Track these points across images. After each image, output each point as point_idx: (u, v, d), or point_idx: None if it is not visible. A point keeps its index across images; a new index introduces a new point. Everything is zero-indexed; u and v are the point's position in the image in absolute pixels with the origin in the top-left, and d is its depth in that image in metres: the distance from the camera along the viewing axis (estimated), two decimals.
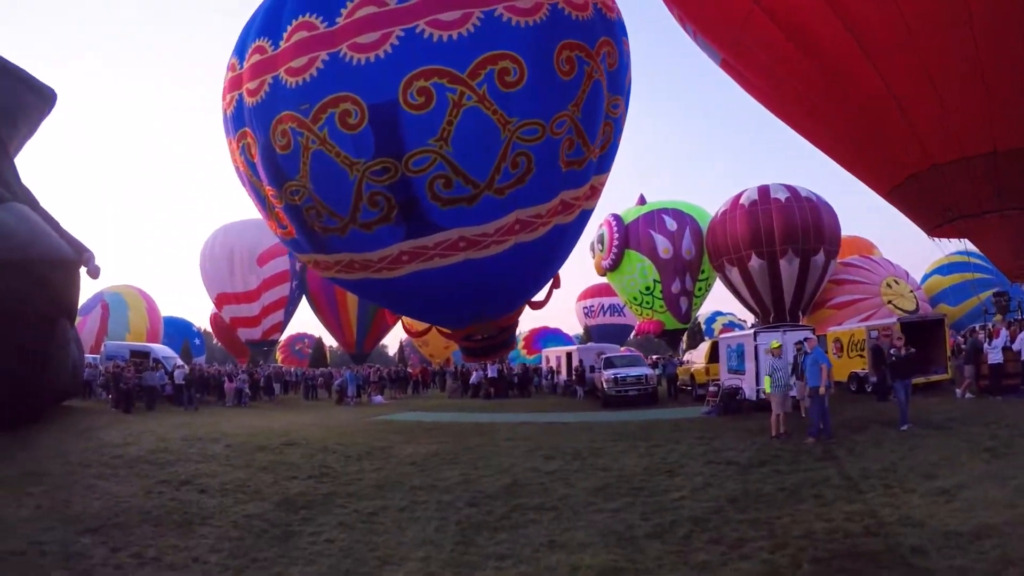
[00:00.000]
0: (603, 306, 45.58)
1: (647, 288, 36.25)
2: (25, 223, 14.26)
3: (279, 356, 46.37)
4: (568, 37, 13.77)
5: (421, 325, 21.28)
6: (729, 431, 14.30)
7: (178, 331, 46.84)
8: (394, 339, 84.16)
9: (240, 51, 14.77)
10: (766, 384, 13.88)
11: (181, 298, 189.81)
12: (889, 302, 30.78)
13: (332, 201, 14.05)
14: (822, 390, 12.25)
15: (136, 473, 10.97)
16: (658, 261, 35.67)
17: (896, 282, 31.63)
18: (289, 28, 13.49)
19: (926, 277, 35.26)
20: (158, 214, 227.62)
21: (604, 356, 25.13)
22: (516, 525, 7.87)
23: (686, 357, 27.74)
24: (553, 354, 34.43)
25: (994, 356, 15.53)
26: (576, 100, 14.16)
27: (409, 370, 40.64)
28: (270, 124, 13.79)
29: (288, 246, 17.06)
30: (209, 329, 49.86)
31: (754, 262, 30.06)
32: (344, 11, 13.05)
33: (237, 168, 16.02)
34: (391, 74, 12.80)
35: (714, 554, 6.45)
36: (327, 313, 39.83)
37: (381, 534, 7.84)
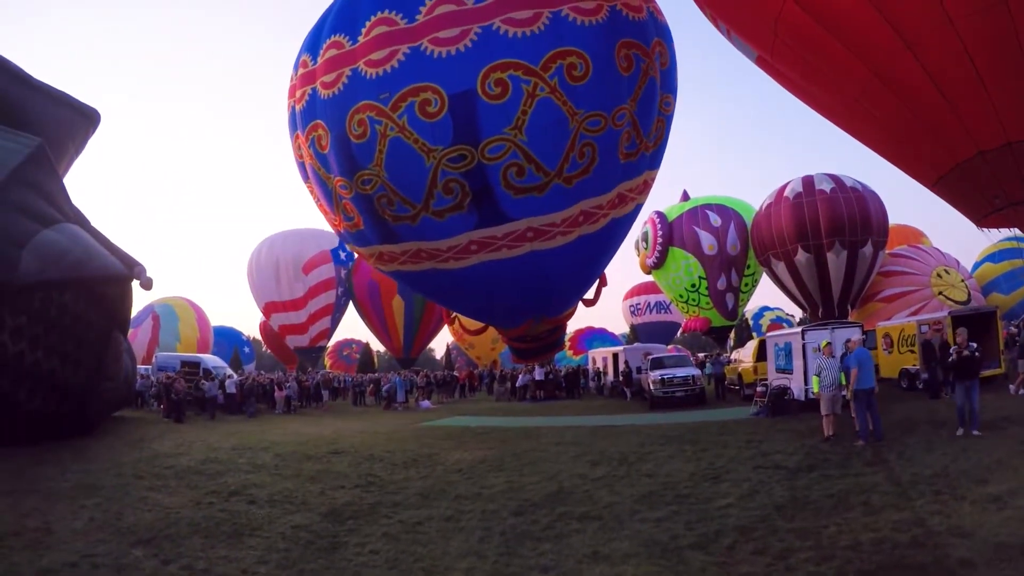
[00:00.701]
0: (649, 304, 45.34)
1: (693, 285, 35.98)
2: (78, 243, 14.73)
3: (327, 362, 46.99)
4: (626, 36, 14.44)
5: (476, 324, 21.23)
6: (777, 433, 14.16)
7: (228, 340, 47.75)
8: (440, 343, 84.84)
9: (312, 48, 15.23)
10: (814, 384, 13.73)
11: (230, 307, 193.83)
12: (940, 293, 30.08)
13: (406, 188, 14.42)
14: (848, 393, 12.24)
15: (187, 484, 11.24)
16: (703, 258, 35.35)
17: (946, 272, 30.89)
18: (367, 24, 14.02)
19: (977, 265, 34.42)
20: (206, 225, 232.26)
21: (651, 357, 25.02)
22: (560, 535, 7.92)
23: (734, 356, 27.51)
24: (599, 355, 34.38)
25: None
26: (634, 95, 14.76)
27: (456, 374, 40.87)
28: (347, 114, 14.19)
29: (352, 240, 17.11)
30: (258, 337, 50.68)
31: (800, 256, 29.53)
32: (423, 9, 13.67)
33: (302, 164, 16.42)
34: (470, 66, 13.42)
35: (759, 566, 6.42)
36: (373, 318, 40.27)
37: (426, 544, 7.96)
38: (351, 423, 22.88)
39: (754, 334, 48.59)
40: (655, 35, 15.33)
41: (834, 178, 29.84)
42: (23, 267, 12.97)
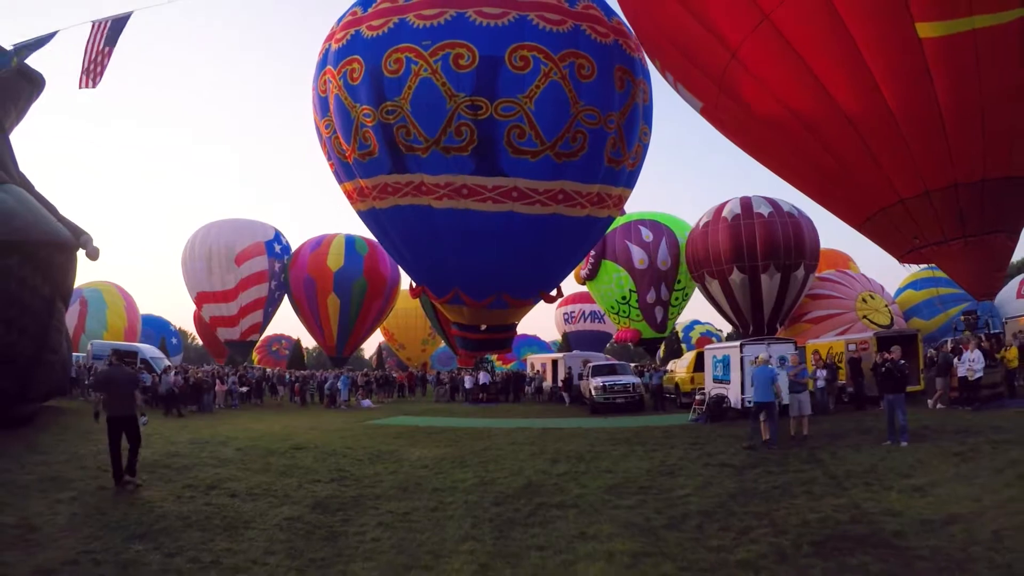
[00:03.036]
0: (584, 312, 46.88)
1: (623, 298, 37.58)
2: (25, 205, 14.61)
3: (255, 357, 47.04)
4: (623, 64, 17.80)
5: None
6: (718, 437, 15.61)
7: (155, 329, 47.34)
8: (371, 343, 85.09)
9: (365, 3, 17.83)
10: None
11: (158, 296, 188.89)
12: (864, 316, 32.26)
13: (425, 121, 16.86)
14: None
15: (159, 478, 11.43)
16: (634, 272, 36.94)
17: (871, 297, 33.16)
18: None
19: (899, 291, 36.79)
20: (138, 210, 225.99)
21: (592, 364, 26.39)
22: (544, 521, 8.86)
23: (669, 367, 29.07)
24: (538, 360, 35.69)
25: (963, 370, 17.04)
26: (623, 109, 17.97)
27: (395, 375, 41.64)
28: (385, 52, 16.85)
29: (362, 170, 18.45)
30: (185, 328, 50.31)
31: (735, 275, 31.25)
32: None
33: (324, 100, 18.54)
34: (503, 39, 16.57)
35: (726, 540, 7.64)
36: (308, 315, 40.65)
37: (422, 531, 8.55)
38: (297, 420, 23.42)
39: (684, 346, 50.55)
40: (642, 75, 18.46)
41: (771, 202, 31.64)
42: None
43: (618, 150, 18.21)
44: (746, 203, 31.93)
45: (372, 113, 17.22)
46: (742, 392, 18.14)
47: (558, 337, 56.69)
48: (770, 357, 15.89)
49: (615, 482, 11.08)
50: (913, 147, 13.69)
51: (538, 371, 34.65)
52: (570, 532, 8.28)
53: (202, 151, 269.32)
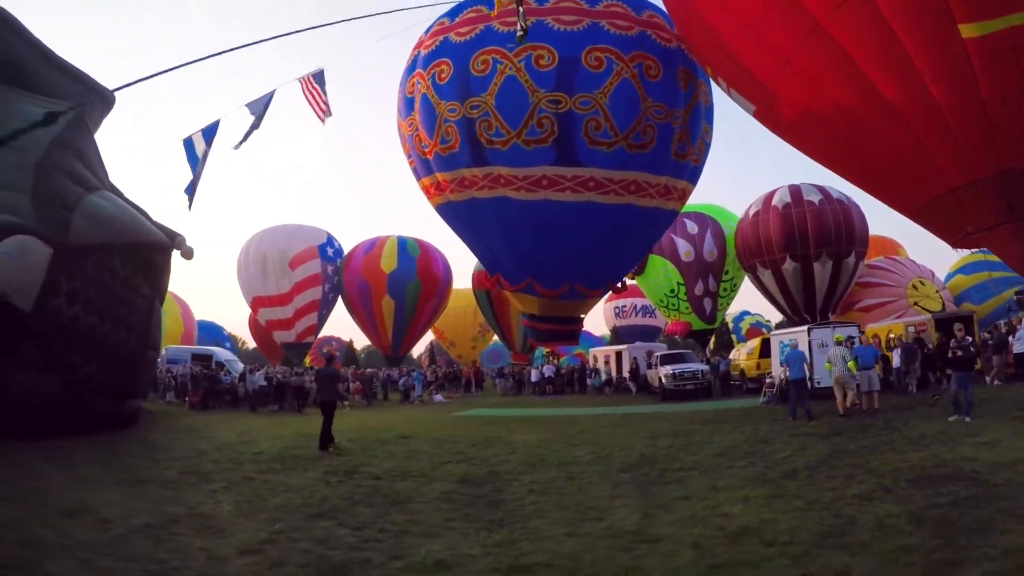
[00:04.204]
0: (635, 307, 48.49)
1: (672, 291, 38.72)
2: (122, 209, 15.34)
3: (308, 359, 49.01)
4: (685, 65, 19.69)
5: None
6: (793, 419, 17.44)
7: (209, 335, 49.40)
8: (420, 343, 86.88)
9: (452, 14, 20.12)
10: (827, 367, 17.73)
11: (211, 303, 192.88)
12: (916, 303, 33.26)
13: (508, 115, 18.79)
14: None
15: (293, 467, 12.52)
16: (680, 265, 38.01)
17: (922, 283, 34.17)
18: (505, 1, 18.81)
19: (949, 276, 37.51)
20: (190, 219, 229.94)
21: (660, 353, 28.25)
22: (675, 480, 10.56)
23: (732, 355, 30.77)
24: (601, 353, 37.47)
25: (1019, 347, 18.96)
26: (687, 107, 19.86)
27: (462, 371, 43.66)
28: (473, 54, 19.00)
29: (441, 164, 20.30)
30: (236, 333, 52.31)
31: (788, 264, 32.21)
32: (550, 1, 19.15)
33: (409, 100, 20.58)
34: (579, 42, 18.65)
35: (836, 483, 9.48)
36: (363, 317, 42.64)
37: (573, 494, 9.83)
38: (380, 415, 25.20)
39: (734, 338, 51.93)
40: (702, 77, 20.20)
41: (821, 189, 32.70)
42: (74, 229, 13.34)
43: (683, 145, 20.06)
44: (795, 191, 32.81)
45: (457, 108, 19.20)
46: (812, 374, 19.85)
47: (607, 332, 58.37)
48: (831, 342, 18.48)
49: (720, 450, 12.92)
50: (961, 140, 14.92)
51: (605, 363, 36.27)
52: (703, 486, 9.99)
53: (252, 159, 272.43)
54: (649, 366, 29.20)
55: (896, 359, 20.26)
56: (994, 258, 28.67)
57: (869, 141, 16.56)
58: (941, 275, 36.64)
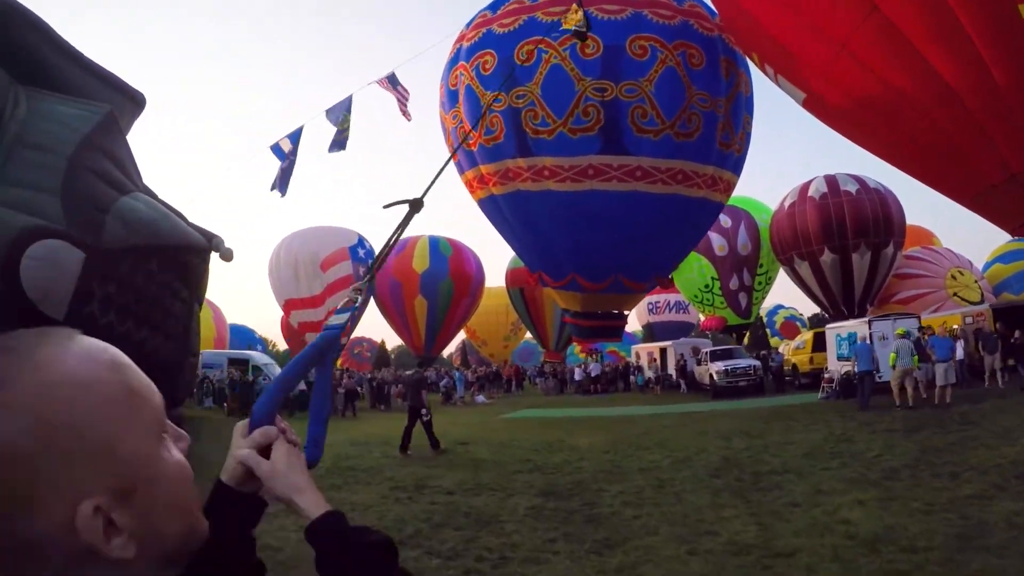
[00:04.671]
0: (669, 303, 47.91)
1: (706, 286, 38.14)
2: (158, 211, 14.85)
3: (340, 360, 48.92)
4: (727, 55, 19.28)
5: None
6: (861, 411, 17.09)
7: (241, 338, 49.16)
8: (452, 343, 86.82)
9: (493, 7, 19.82)
10: (891, 360, 17.20)
11: (241, 306, 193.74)
12: (955, 294, 32.65)
13: (553, 104, 18.37)
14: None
15: (352, 480, 12.12)
16: (714, 259, 37.41)
17: (960, 273, 33.44)
18: None
19: (987, 266, 37.04)
20: (218, 222, 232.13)
21: (709, 349, 27.80)
22: (773, 486, 10.09)
23: (781, 350, 30.28)
24: (644, 350, 37.00)
25: None
26: (729, 96, 19.41)
27: (503, 370, 43.34)
28: (517, 44, 18.61)
29: (486, 155, 19.98)
30: (267, 335, 52.13)
31: (826, 256, 31.62)
32: None
33: (453, 93, 20.16)
34: (623, 30, 18.26)
35: (944, 482, 9.15)
36: (395, 316, 42.29)
37: (671, 505, 9.35)
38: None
39: (768, 331, 51.48)
40: (743, 67, 19.94)
41: (857, 179, 32.08)
42: (108, 232, 13.50)
43: (727, 134, 19.67)
44: (832, 181, 32.25)
45: (503, 98, 18.79)
46: (878, 368, 19.36)
47: (638, 328, 57.82)
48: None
49: (804, 451, 12.48)
50: (1021, 124, 14.79)
51: (649, 360, 35.79)
52: (806, 490, 9.59)
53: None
54: (698, 362, 28.71)
55: (959, 351, 19.72)
56: None
57: (928, 127, 15.89)
58: (979, 264, 35.94)
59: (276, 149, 15.67)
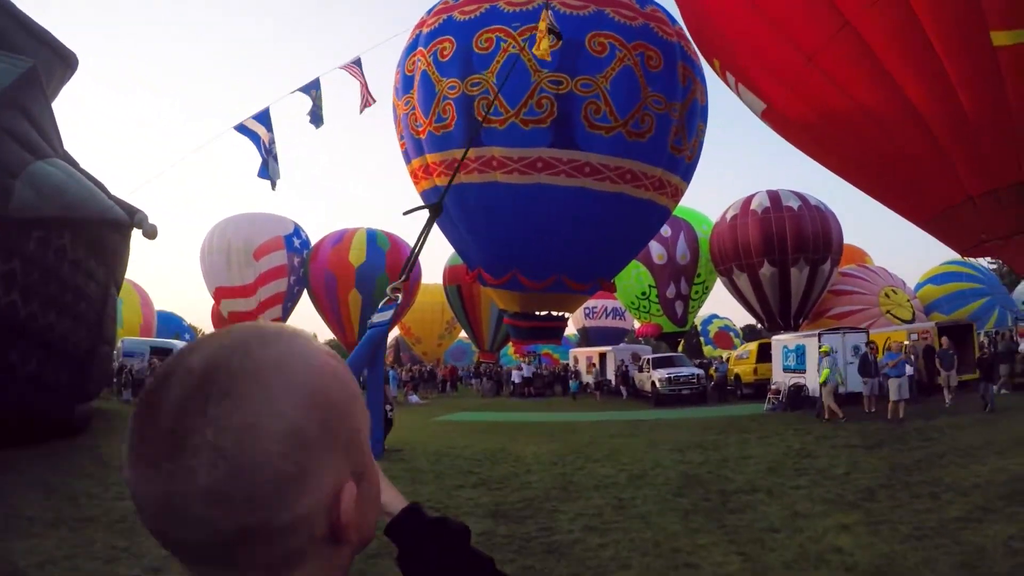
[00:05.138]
0: (606, 308, 47.30)
1: (643, 293, 37.98)
2: (75, 180, 13.15)
3: None
4: (685, 62, 19.20)
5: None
6: (812, 423, 16.73)
7: (169, 326, 46.99)
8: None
9: None
10: (822, 377, 17.70)
11: (170, 293, 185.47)
12: (888, 312, 33.11)
13: (508, 93, 17.64)
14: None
15: None
16: (653, 267, 37.26)
17: (894, 291, 33.91)
18: None
19: (920, 286, 37.55)
20: (152, 206, 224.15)
21: (651, 356, 27.07)
22: (744, 507, 9.24)
23: (724, 358, 29.85)
24: (583, 355, 36.11)
25: None
26: (685, 101, 19.20)
27: (439, 370, 42.09)
28: (476, 32, 18.22)
29: (434, 144, 19.31)
30: (196, 325, 50.08)
31: (766, 269, 31.69)
32: None
33: (408, 78, 19.54)
34: (585, 26, 18.01)
35: (927, 503, 8.53)
36: (328, 310, 40.71)
37: (639, 531, 8.30)
38: None
39: (702, 340, 51.28)
40: (700, 76, 19.93)
41: (799, 195, 32.24)
42: (16, 199, 11.41)
43: (679, 139, 19.42)
44: (775, 196, 32.40)
45: (457, 85, 18.34)
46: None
47: (573, 332, 57.17)
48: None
49: (765, 467, 11.72)
50: (984, 147, 14.23)
51: (588, 365, 34.98)
52: (782, 513, 8.78)
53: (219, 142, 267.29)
54: (639, 369, 27.96)
55: (909, 368, 19.48)
56: (965, 270, 28.57)
57: (890, 146, 15.62)
58: (911, 284, 36.43)
59: (242, 129, 14.55)
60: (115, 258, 14.93)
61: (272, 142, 14.68)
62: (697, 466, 12.28)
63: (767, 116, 18.03)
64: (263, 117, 14.66)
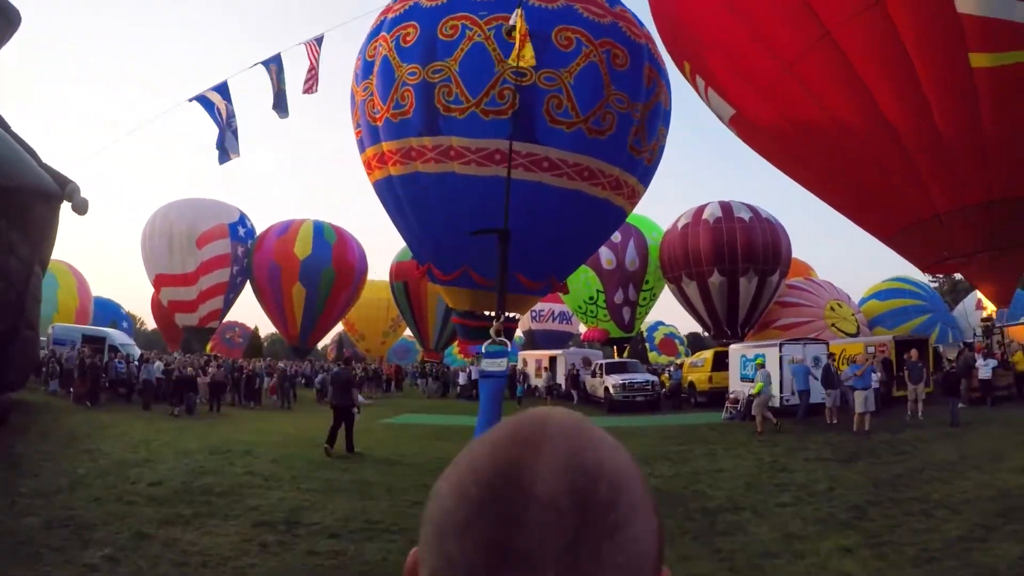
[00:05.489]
0: (553, 312, 46.50)
1: (591, 298, 37.54)
2: (3, 143, 12.04)
3: (210, 345, 45.14)
4: (651, 64, 18.78)
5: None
6: (775, 433, 16.16)
7: (106, 313, 44.63)
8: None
9: None
10: (755, 389, 17.62)
11: (110, 278, 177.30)
12: (833, 324, 33.11)
13: (470, 82, 17.33)
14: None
15: (210, 512, 8.86)
16: (601, 272, 36.85)
17: (839, 305, 34.05)
18: None
19: (864, 301, 37.74)
20: (95, 188, 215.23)
21: (604, 361, 26.26)
22: (733, 528, 8.35)
23: (678, 364, 29.36)
24: (532, 358, 35.08)
25: (984, 372, 18.81)
26: (648, 103, 18.71)
27: (383, 368, 40.84)
28: (441, 19, 17.56)
29: (390, 131, 18.56)
30: (135, 313, 47.98)
31: (715, 278, 31.61)
32: None
33: (369, 64, 18.89)
34: (552, 19, 17.50)
35: (923, 521, 7.98)
36: (271, 303, 39.20)
37: None
38: (299, 419, 21.60)
39: (647, 346, 50.90)
40: (665, 80, 19.67)
41: (750, 207, 32.34)
42: None
43: (639, 140, 18.96)
44: (727, 207, 32.48)
45: (418, 71, 17.70)
46: (781, 390, 18.60)
47: (519, 335, 56.43)
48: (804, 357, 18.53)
49: (743, 482, 10.93)
50: (954, 166, 14.46)
51: (538, 368, 33.99)
52: (774, 535, 7.96)
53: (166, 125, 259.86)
54: (592, 374, 27.09)
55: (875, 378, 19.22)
56: (908, 287, 28.68)
57: (860, 158, 15.70)
58: (855, 299, 36.54)
59: (201, 100, 13.99)
60: (42, 233, 13.44)
61: (232, 115, 14.02)
62: (669, 480, 11.42)
63: (735, 123, 18.02)
64: (222, 89, 14.00)
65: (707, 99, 18.20)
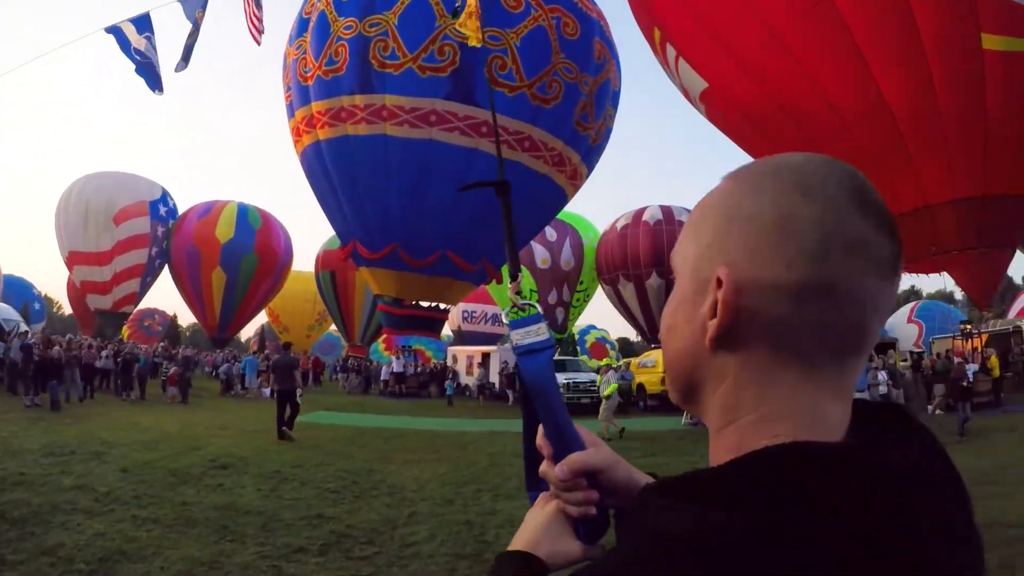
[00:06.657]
0: (486, 314, 42.84)
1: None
2: None
3: (126, 331, 40.26)
4: (602, 40, 17.87)
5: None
6: None
7: (16, 292, 38.84)
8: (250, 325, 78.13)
9: None
10: (608, 391, 15.76)
11: (24, 256, 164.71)
12: None
13: (408, 36, 15.99)
14: None
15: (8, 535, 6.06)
16: (535, 271, 34.31)
17: None
18: None
19: None
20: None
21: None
22: None
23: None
24: (463, 354, 31.23)
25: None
26: (598, 78, 17.71)
27: (301, 361, 36.50)
28: None
29: (321, 90, 17.07)
30: (52, 295, 42.63)
31: (653, 280, 30.13)
32: None
33: (304, 21, 17.53)
34: None
35: None
36: (189, 289, 34.72)
37: None
38: (192, 414, 17.74)
39: (578, 349, 47.72)
40: (615, 60, 18.82)
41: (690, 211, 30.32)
42: None
43: (586, 115, 17.86)
44: (667, 211, 31.42)
45: (354, 25, 16.31)
46: None
47: (448, 333, 52.67)
48: None
49: None
50: (952, 155, 13.09)
51: (469, 365, 30.10)
52: None
53: (85, 93, 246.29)
54: None
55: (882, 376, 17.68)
56: None
57: (847, 139, 13.60)
58: None
59: (116, 33, 11.65)
60: None
61: (151, 49, 11.87)
62: None
63: (706, 97, 15.68)
64: (142, 23, 11.66)
65: (676, 72, 15.98)
